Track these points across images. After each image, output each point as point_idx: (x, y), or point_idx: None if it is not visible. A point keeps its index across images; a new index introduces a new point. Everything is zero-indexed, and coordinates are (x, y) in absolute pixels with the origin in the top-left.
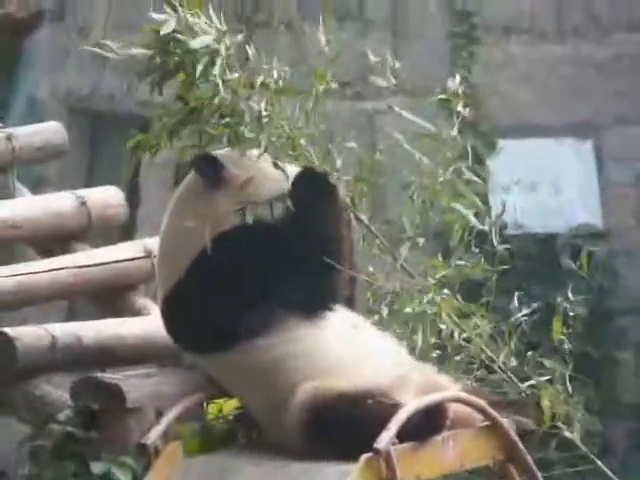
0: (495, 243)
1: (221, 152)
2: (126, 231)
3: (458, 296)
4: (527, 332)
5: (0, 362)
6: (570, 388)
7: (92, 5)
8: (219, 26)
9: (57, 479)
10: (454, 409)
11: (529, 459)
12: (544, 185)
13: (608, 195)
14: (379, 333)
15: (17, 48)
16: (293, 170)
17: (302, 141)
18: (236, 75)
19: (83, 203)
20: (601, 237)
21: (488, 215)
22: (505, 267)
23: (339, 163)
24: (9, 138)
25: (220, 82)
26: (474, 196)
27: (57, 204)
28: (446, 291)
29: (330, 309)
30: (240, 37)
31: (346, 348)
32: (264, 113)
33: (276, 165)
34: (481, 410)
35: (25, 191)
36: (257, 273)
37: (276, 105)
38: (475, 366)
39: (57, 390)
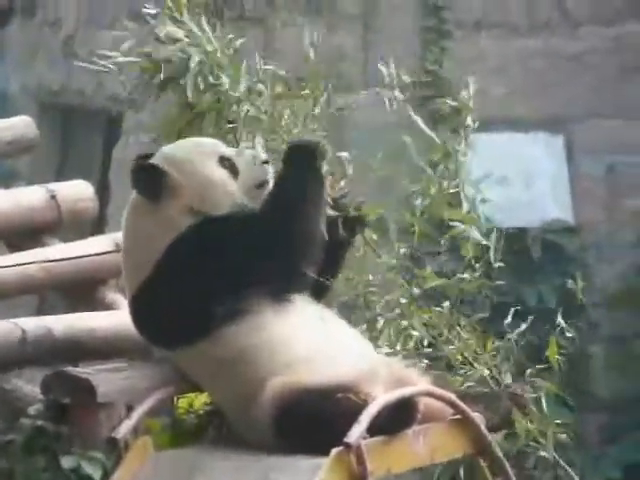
0: (493, 259)
1: (164, 155)
2: (96, 225)
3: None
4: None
5: None
6: (545, 408)
7: (63, 0)
8: (196, 31)
9: (27, 473)
10: (425, 403)
11: (499, 452)
12: (515, 179)
13: (579, 189)
14: (347, 326)
15: None
16: (249, 159)
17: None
18: (226, 80)
19: (53, 197)
20: (572, 231)
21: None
22: (501, 283)
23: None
24: None
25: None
26: (476, 215)
27: (27, 198)
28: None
29: (298, 291)
30: (233, 39)
31: (315, 341)
32: (262, 117)
33: (223, 160)
34: (451, 404)
35: None
36: (220, 263)
37: (273, 108)
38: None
39: (28, 384)
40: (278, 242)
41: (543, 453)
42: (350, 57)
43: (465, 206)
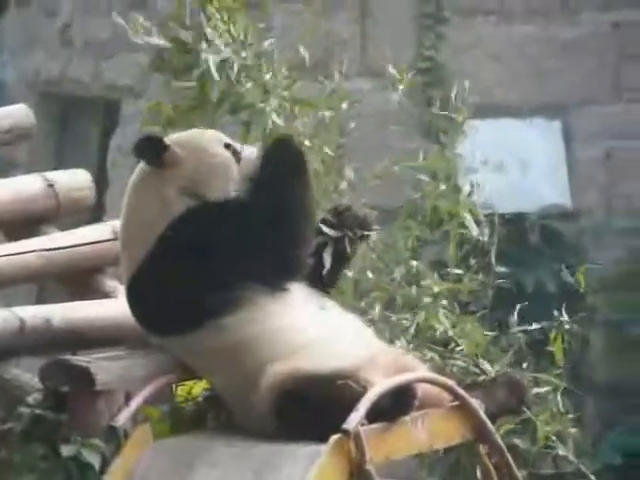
0: (493, 259)
1: (169, 137)
2: (94, 214)
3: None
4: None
5: None
6: (561, 404)
7: None
8: (237, 36)
9: (26, 462)
10: (423, 389)
11: (498, 439)
12: (513, 165)
13: (577, 174)
14: (347, 314)
15: None
16: (250, 152)
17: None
18: (249, 84)
19: (51, 186)
20: (570, 216)
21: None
22: (501, 281)
23: (350, 175)
24: None
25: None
26: (474, 207)
27: (25, 187)
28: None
29: (296, 280)
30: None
31: (314, 328)
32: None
33: (228, 146)
34: (450, 390)
35: None
36: (218, 251)
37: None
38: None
39: (26, 373)
40: (275, 230)
41: (561, 452)
42: (347, 43)
43: (461, 198)
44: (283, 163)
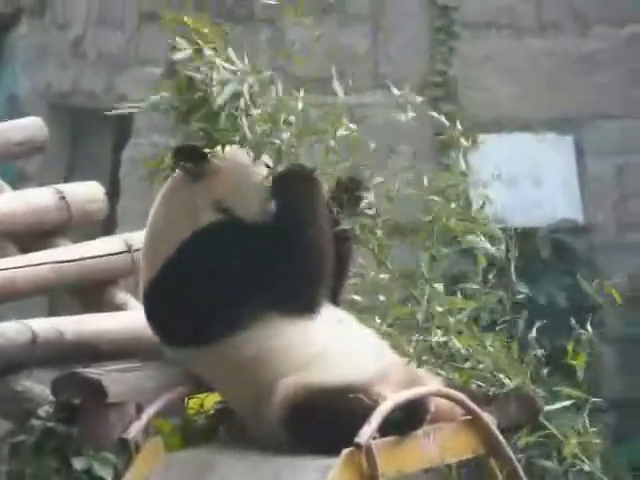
0: (514, 277)
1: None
2: (106, 226)
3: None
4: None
5: None
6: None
7: (72, 0)
8: (241, 66)
9: (38, 475)
10: (436, 403)
11: (510, 453)
12: (525, 180)
13: (589, 189)
14: (361, 328)
15: None
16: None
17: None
18: (258, 111)
19: (63, 198)
20: (581, 232)
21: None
22: (520, 297)
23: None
24: None
25: (244, 119)
26: (493, 226)
27: (37, 199)
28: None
29: (312, 310)
30: (265, 74)
31: (327, 341)
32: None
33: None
34: (462, 404)
35: (5, 187)
36: (234, 268)
37: (296, 142)
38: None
39: (38, 385)
40: (297, 256)
41: (588, 469)
42: (359, 57)
43: (473, 211)
44: (299, 194)
